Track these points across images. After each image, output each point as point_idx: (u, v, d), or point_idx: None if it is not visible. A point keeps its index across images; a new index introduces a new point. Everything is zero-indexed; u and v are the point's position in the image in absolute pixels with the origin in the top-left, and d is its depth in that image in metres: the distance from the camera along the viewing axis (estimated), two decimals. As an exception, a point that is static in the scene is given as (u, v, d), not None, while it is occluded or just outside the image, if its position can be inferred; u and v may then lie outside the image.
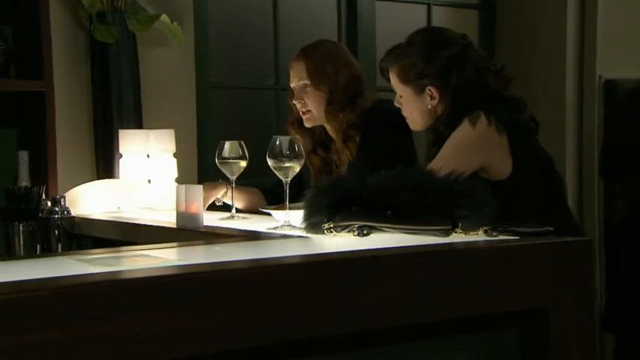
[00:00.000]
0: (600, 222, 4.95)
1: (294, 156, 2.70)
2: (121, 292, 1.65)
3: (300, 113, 3.47)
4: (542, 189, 2.89)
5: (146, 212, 3.46)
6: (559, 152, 4.84)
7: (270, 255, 2.15)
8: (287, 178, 2.71)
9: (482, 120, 2.82)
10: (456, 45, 2.98)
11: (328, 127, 3.48)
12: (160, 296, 1.67)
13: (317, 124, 3.48)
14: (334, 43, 3.59)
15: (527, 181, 2.84)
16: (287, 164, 2.70)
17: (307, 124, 3.48)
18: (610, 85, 4.97)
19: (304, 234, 2.42)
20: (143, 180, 3.65)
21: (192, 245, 2.41)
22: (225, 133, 3.88)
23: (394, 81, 3.07)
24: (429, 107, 2.99)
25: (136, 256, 2.12)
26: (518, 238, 2.25)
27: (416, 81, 3.00)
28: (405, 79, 3.03)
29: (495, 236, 2.27)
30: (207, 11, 4.27)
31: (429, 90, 2.98)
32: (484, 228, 2.29)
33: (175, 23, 3.91)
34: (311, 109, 3.43)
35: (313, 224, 2.39)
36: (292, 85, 3.49)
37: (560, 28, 4.98)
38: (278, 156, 2.69)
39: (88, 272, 1.77)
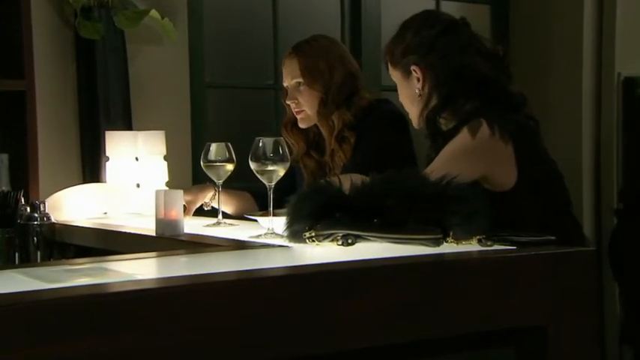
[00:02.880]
0: (619, 227, 4.75)
1: (278, 159, 2.55)
2: (55, 313, 1.54)
3: (294, 113, 3.33)
4: (546, 197, 2.72)
5: (133, 218, 3.35)
6: (575, 154, 4.78)
7: (241, 267, 2.06)
8: (271, 182, 2.57)
9: (484, 129, 2.64)
10: (442, 22, 2.84)
11: (322, 128, 3.34)
12: (98, 317, 1.56)
13: (312, 124, 3.35)
14: (329, 38, 3.44)
15: (531, 191, 2.68)
16: (270, 168, 2.55)
17: (302, 125, 3.35)
18: (630, 83, 4.82)
19: (286, 243, 2.31)
20: (131, 184, 3.52)
21: (164, 256, 2.30)
22: (222, 134, 3.73)
23: (389, 69, 2.94)
24: (417, 91, 2.83)
25: (93, 269, 1.97)
26: (514, 248, 2.13)
27: (402, 60, 2.85)
28: (393, 62, 2.89)
29: (490, 246, 2.15)
30: (203, 6, 4.16)
31: (414, 70, 2.83)
32: (478, 237, 2.17)
33: (167, 19, 3.79)
34: (305, 108, 3.31)
35: (295, 233, 2.27)
36: (285, 84, 3.36)
37: (577, 23, 4.84)
38: (261, 159, 2.54)
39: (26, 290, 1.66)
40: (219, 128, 4.25)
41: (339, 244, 2.19)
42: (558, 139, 4.60)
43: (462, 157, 2.64)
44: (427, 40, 2.79)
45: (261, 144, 2.54)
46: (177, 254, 2.30)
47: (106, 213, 3.42)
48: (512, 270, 2.03)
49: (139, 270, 2.06)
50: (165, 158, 3.58)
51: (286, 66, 3.35)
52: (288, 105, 3.34)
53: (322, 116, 3.27)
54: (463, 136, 2.66)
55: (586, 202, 4.77)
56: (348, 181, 2.32)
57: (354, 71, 3.32)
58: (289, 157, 2.59)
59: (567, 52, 4.88)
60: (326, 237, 2.21)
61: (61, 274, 1.87)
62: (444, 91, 2.76)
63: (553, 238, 2.16)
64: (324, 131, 3.33)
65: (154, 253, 2.38)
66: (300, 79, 3.28)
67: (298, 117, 3.32)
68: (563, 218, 2.75)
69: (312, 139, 3.40)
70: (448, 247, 2.14)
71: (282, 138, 2.61)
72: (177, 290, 1.68)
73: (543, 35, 4.97)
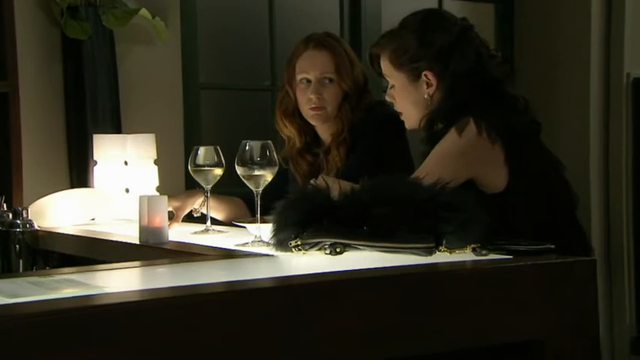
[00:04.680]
0: (630, 234, 4.72)
1: (265, 163, 2.47)
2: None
3: (310, 107, 3.19)
4: (544, 202, 2.64)
5: (122, 224, 3.26)
6: (583, 156, 4.70)
7: (222, 279, 1.94)
8: (258, 187, 2.49)
9: (471, 128, 2.58)
10: (455, 26, 2.74)
11: (326, 128, 3.23)
12: (55, 335, 1.49)
13: (325, 123, 3.22)
14: (337, 36, 3.40)
15: (526, 193, 2.60)
16: (257, 172, 2.47)
17: (314, 121, 3.22)
18: (639, 84, 4.73)
19: (273, 252, 2.24)
20: (120, 189, 3.44)
21: (144, 266, 2.26)
22: (216, 138, 3.69)
23: (386, 68, 2.84)
24: (425, 97, 2.75)
25: (60, 282, 1.87)
26: (511, 257, 2.06)
27: (410, 65, 2.76)
28: (398, 64, 2.78)
29: (485, 255, 2.08)
30: (196, 4, 4.07)
31: (426, 76, 2.74)
32: (472, 246, 2.10)
33: (158, 18, 3.71)
34: (327, 105, 3.18)
35: (281, 241, 2.21)
36: (309, 75, 3.20)
37: (585, 22, 4.74)
38: (248, 163, 2.47)
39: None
40: (213, 131, 4.18)
41: (326, 253, 2.14)
42: (565, 140, 4.52)
43: (450, 157, 2.59)
44: (442, 47, 2.71)
45: (247, 147, 2.47)
46: (157, 264, 2.22)
47: (94, 219, 3.34)
48: (508, 281, 1.97)
49: (111, 282, 1.97)
50: (156, 162, 3.50)
51: (315, 57, 3.20)
52: (295, 95, 3.22)
53: (342, 114, 3.17)
54: (451, 136, 2.61)
55: (594, 206, 4.69)
56: (336, 186, 2.23)
57: (364, 71, 3.25)
58: (277, 161, 2.51)
59: (574, 51, 4.79)
60: (313, 246, 2.15)
61: (23, 287, 1.78)
62: (462, 97, 2.67)
63: (552, 246, 2.09)
64: (331, 130, 3.21)
65: (134, 263, 2.32)
66: (332, 75, 3.17)
67: (314, 112, 3.19)
68: (563, 223, 2.67)
69: (306, 139, 3.28)
70: (441, 257, 2.08)
71: (269, 142, 2.51)
72: (148, 305, 1.61)
73: (549, 34, 4.88)
